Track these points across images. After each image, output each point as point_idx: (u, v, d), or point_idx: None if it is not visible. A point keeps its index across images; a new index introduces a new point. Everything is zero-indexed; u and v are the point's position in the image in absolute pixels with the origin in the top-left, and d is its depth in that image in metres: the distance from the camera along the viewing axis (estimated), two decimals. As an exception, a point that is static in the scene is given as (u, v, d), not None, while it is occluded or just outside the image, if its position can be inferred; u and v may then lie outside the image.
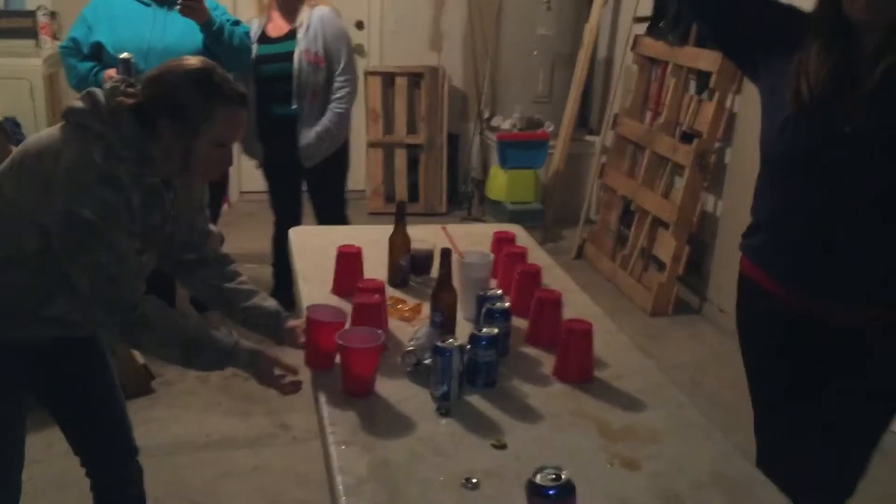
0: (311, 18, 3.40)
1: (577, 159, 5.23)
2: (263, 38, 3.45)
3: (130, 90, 1.72)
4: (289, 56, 3.38)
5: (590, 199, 5.02)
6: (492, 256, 2.06)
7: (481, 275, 2.00)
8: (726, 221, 3.95)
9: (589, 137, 5.35)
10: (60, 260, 1.65)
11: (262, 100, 3.45)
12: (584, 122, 5.50)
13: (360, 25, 5.39)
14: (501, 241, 2.27)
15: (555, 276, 2.29)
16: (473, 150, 5.62)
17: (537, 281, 2.03)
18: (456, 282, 1.91)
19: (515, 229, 2.55)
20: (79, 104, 1.69)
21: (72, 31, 3.13)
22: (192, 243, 1.92)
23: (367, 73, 5.35)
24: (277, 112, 3.47)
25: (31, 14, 4.55)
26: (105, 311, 1.67)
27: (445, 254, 1.82)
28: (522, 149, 4.97)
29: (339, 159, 3.63)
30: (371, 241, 2.37)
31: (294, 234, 2.59)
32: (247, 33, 3.33)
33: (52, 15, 4.60)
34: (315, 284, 2.19)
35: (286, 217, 3.61)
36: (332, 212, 3.65)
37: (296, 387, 1.77)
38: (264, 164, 3.72)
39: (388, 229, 2.23)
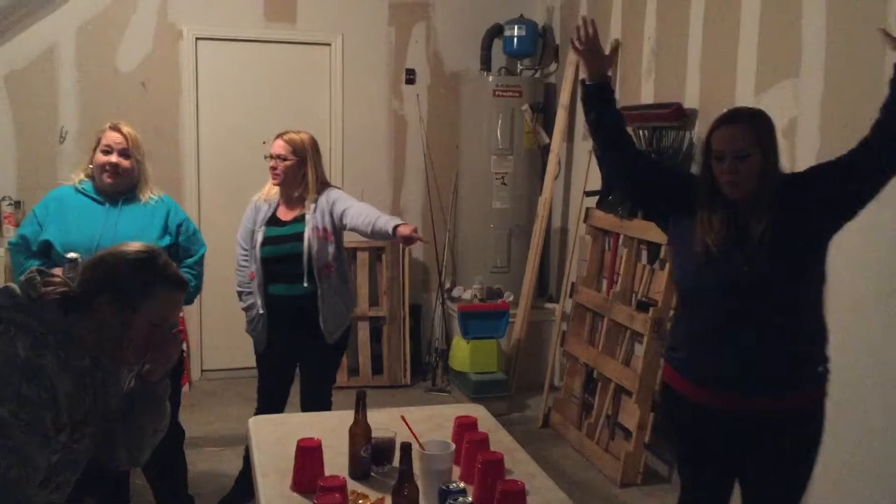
0: (320, 200, 3.45)
1: (538, 327, 5.30)
2: (273, 220, 3.48)
3: (56, 279, 1.75)
4: (298, 236, 3.41)
5: (553, 366, 5.04)
6: (452, 447, 2.05)
7: (442, 466, 1.98)
8: (688, 387, 3.97)
9: (549, 305, 5.44)
10: None
11: (267, 281, 3.47)
12: (543, 291, 5.61)
13: (321, 203, 5.54)
14: (462, 427, 2.27)
15: (518, 461, 2.28)
16: (436, 320, 5.67)
17: (500, 470, 2.01)
18: (417, 472, 1.89)
19: (477, 411, 2.55)
20: None
21: (21, 228, 3.12)
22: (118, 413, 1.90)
23: (329, 249, 5.45)
24: (281, 293, 3.46)
25: (-5, 204, 4.63)
26: None
27: (405, 449, 1.81)
28: (484, 319, 5.02)
29: (344, 339, 3.61)
30: (330, 429, 2.35)
31: (253, 423, 2.56)
32: (198, 262, 3.27)
33: (17, 204, 4.69)
34: (274, 479, 2.14)
35: (273, 404, 3.51)
36: (321, 394, 3.59)
37: None
38: (265, 354, 3.58)
39: (348, 415, 2.21)
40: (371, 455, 2.17)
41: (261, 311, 3.45)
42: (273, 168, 3.44)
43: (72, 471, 1.82)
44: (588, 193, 4.76)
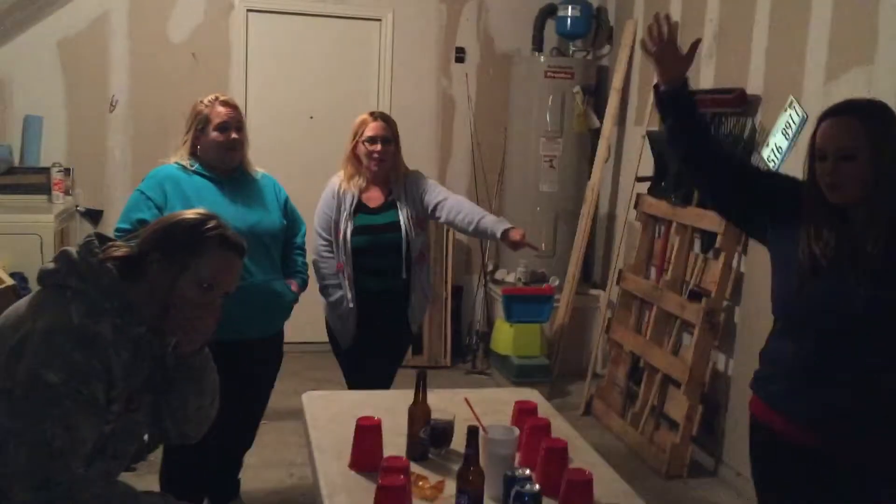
0: (408, 185, 3.26)
1: (582, 313, 5.23)
2: (360, 208, 3.19)
3: (116, 244, 1.75)
4: (394, 226, 3.18)
5: (596, 354, 4.97)
6: (517, 432, 2.00)
7: (507, 451, 1.94)
8: (738, 381, 3.89)
9: (593, 291, 5.37)
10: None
11: (360, 273, 3.18)
12: (588, 276, 5.53)
13: (366, 181, 5.50)
14: (523, 413, 2.22)
15: (577, 449, 2.22)
16: (477, 302, 5.62)
17: (564, 458, 1.96)
18: (480, 457, 1.85)
19: (535, 397, 2.50)
20: (52, 265, 1.69)
21: (133, 212, 2.72)
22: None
23: (373, 227, 5.42)
24: (373, 287, 3.20)
25: (45, 171, 4.64)
26: (29, 489, 1.53)
27: (472, 433, 1.76)
28: (528, 303, 4.96)
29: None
30: (385, 408, 2.31)
31: (307, 399, 2.53)
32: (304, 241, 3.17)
33: (67, 171, 4.70)
34: (331, 457, 2.11)
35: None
36: (387, 377, 3.36)
37: None
38: (350, 349, 3.29)
39: (402, 394, 2.17)
40: (430, 436, 2.13)
41: (350, 306, 3.18)
42: (379, 154, 3.15)
43: (128, 441, 1.79)
44: (640, 179, 4.67)
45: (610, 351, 4.81)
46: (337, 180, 3.25)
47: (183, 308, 1.71)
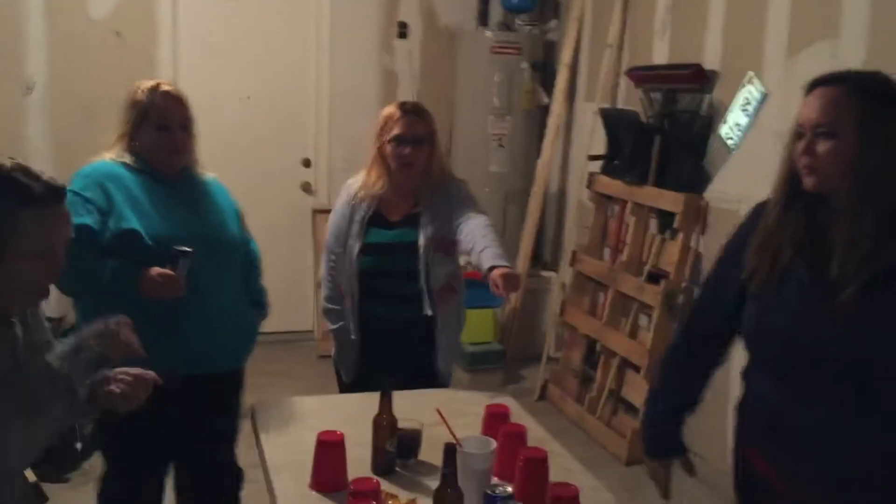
0: (440, 195, 2.64)
1: (534, 295, 5.11)
2: (378, 220, 2.63)
3: None
4: (410, 247, 2.59)
5: (549, 337, 4.86)
6: (493, 444, 1.84)
7: (484, 466, 1.78)
8: (698, 363, 3.81)
9: (544, 273, 5.25)
10: None
11: (369, 299, 2.64)
12: (538, 258, 5.41)
13: (307, 163, 5.27)
14: (495, 418, 2.06)
15: (553, 453, 2.07)
16: (426, 287, 5.45)
17: (545, 469, 1.81)
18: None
19: (507, 401, 2.34)
20: None
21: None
22: None
23: (316, 212, 5.21)
24: (385, 315, 2.64)
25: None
26: None
27: (450, 452, 1.59)
28: (481, 288, 4.77)
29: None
30: (345, 414, 2.15)
31: (257, 409, 2.33)
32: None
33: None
34: (289, 475, 1.92)
35: None
36: None
37: None
38: (351, 386, 2.74)
39: (362, 398, 2.00)
40: (396, 448, 1.96)
41: (353, 337, 2.65)
42: (409, 157, 2.56)
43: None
44: (592, 158, 4.54)
45: (564, 334, 4.71)
46: (356, 183, 2.69)
47: (22, 280, 1.43)
